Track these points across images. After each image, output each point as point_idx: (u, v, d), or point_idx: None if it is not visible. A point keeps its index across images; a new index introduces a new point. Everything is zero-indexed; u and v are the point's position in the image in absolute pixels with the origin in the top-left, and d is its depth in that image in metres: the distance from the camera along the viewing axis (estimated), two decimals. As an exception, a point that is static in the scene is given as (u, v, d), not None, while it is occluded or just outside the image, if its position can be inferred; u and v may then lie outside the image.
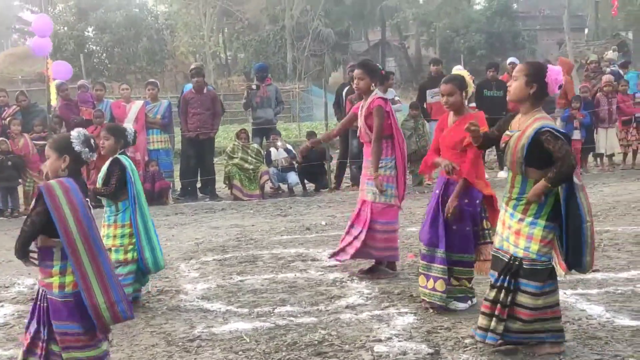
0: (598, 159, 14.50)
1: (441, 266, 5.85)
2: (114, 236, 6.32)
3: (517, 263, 4.71)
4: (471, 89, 5.98)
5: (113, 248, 6.28)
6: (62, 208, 4.01)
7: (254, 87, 13.38)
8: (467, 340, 5.14)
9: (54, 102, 11.93)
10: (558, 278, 4.78)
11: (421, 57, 59.53)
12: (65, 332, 4.10)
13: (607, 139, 14.05)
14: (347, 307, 6.13)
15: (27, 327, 4.26)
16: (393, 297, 6.37)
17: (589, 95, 14.13)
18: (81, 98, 13.03)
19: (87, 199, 4.25)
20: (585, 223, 4.58)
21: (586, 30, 64.36)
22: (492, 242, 5.87)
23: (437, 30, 52.91)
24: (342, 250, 7.25)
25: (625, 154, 14.45)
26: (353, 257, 7.13)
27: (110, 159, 6.34)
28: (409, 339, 5.27)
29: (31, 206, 4.21)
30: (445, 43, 53.29)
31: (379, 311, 5.98)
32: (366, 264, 7.37)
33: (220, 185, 13.56)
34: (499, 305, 4.74)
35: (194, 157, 12.90)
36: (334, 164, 14.01)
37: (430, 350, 4.97)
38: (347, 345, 5.17)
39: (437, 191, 6.02)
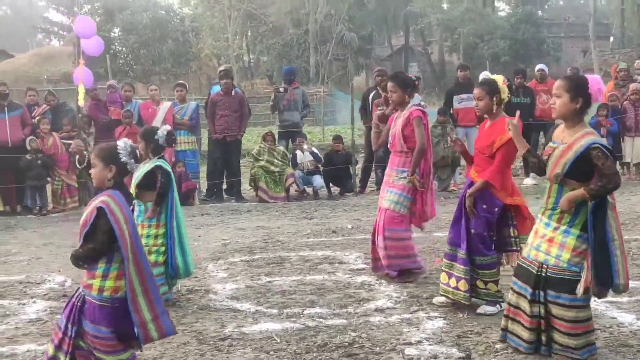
0: (625, 168, 14.41)
1: (463, 267, 5.92)
2: (156, 236, 6.37)
3: (544, 273, 4.72)
4: (505, 94, 5.98)
5: (154, 248, 6.34)
6: (121, 223, 4.09)
7: (281, 89, 13.42)
8: (498, 346, 5.15)
9: (81, 102, 12.03)
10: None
11: (444, 62, 59.45)
12: (96, 335, 4.16)
13: (634, 148, 13.97)
14: (376, 310, 6.16)
15: (59, 323, 4.31)
16: (422, 301, 6.39)
17: (617, 103, 14.06)
18: (110, 98, 13.16)
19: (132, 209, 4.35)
20: (612, 241, 4.59)
21: (611, 39, 64.06)
22: (518, 250, 5.91)
23: (461, 36, 52.76)
24: (376, 260, 7.25)
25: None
26: (388, 268, 7.12)
27: (150, 164, 6.37)
28: (440, 342, 5.29)
29: (84, 221, 4.22)
30: (469, 49, 53.16)
31: (409, 315, 6.00)
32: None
33: (245, 187, 13.63)
34: (542, 320, 4.77)
35: (221, 159, 12.97)
36: (359, 167, 14.04)
37: (462, 355, 4.99)
38: (377, 348, 5.20)
39: (463, 192, 6.08)
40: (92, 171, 4.35)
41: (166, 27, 37.03)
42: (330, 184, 13.31)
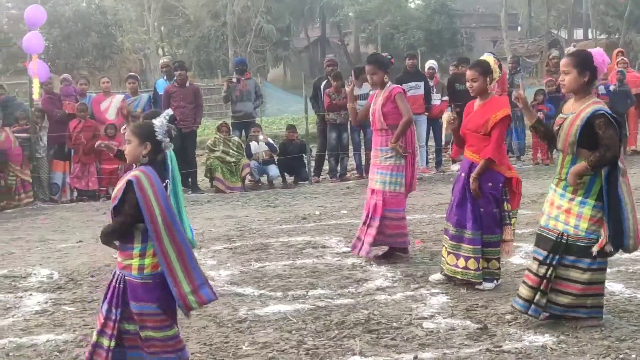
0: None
1: (471, 246, 6.16)
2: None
3: (565, 240, 5.03)
4: (497, 74, 6.27)
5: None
6: (150, 199, 4.15)
7: (234, 80, 13.48)
8: (508, 316, 5.46)
9: (36, 95, 11.81)
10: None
11: (360, 54, 60.09)
12: (142, 313, 4.22)
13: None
14: (377, 289, 6.39)
15: (101, 309, 4.36)
16: (418, 279, 6.64)
17: (554, 88, 14.60)
18: (65, 92, 12.95)
19: (165, 185, 4.41)
20: (624, 204, 4.92)
21: (519, 28, 66.00)
22: (511, 224, 6.24)
23: (378, 27, 53.43)
24: (361, 241, 7.42)
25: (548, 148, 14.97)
26: (371, 246, 7.32)
27: None
28: (451, 316, 5.56)
29: (114, 196, 4.29)
30: (385, 40, 53.86)
31: (411, 292, 6.25)
32: (378, 250, 7.58)
33: (200, 178, 13.64)
34: (545, 281, 5.06)
35: (176, 150, 12.88)
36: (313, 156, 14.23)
37: (479, 326, 5.26)
38: (394, 323, 5.43)
39: (463, 174, 6.30)
40: (126, 147, 4.37)
41: (89, 20, 36.28)
42: (285, 173, 13.45)
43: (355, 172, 13.98)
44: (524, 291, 5.22)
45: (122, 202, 4.21)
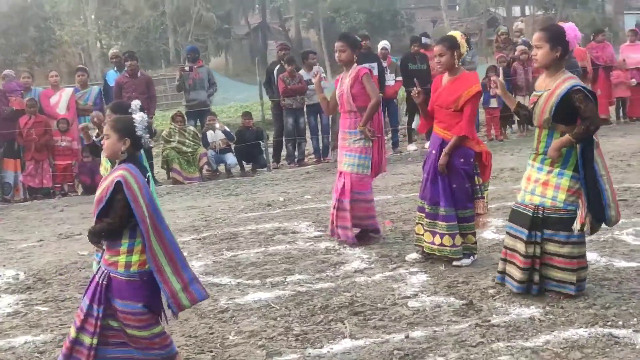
0: (520, 127, 15.14)
1: (445, 223, 6.18)
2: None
3: (541, 214, 5.05)
4: (464, 48, 6.26)
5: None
6: (138, 198, 4.04)
7: (186, 69, 13.28)
8: (491, 291, 5.48)
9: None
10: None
11: (301, 39, 59.99)
12: (126, 311, 4.11)
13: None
14: (355, 271, 6.36)
15: (81, 305, 4.24)
16: (394, 259, 6.63)
17: (504, 64, 14.76)
18: (8, 88, 12.58)
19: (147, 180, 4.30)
20: (600, 176, 4.97)
21: (457, 8, 66.66)
22: (484, 197, 6.28)
23: (319, 11, 53.36)
24: (337, 226, 7.37)
25: (520, 122, 15.16)
26: (348, 230, 7.24)
27: None
28: (434, 294, 5.56)
29: (99, 197, 4.15)
30: (326, 24, 53.89)
31: (389, 272, 6.24)
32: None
33: (156, 170, 13.43)
34: (536, 259, 5.09)
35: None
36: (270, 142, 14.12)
37: (464, 302, 5.27)
38: (379, 304, 5.41)
39: (434, 151, 6.30)
40: (105, 142, 4.25)
41: (26, 14, 35.43)
42: (243, 161, 13.33)
43: (313, 156, 13.93)
44: (517, 274, 5.19)
45: (110, 204, 4.09)
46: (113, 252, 4.16)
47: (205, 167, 13.10)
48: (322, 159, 13.70)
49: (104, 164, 6.39)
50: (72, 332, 4.21)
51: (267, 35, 62.63)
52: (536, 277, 5.13)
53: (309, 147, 14.11)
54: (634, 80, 14.38)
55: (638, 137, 12.99)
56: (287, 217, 8.89)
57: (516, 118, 14.59)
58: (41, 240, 8.95)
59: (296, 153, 13.56)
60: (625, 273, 5.66)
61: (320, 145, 13.74)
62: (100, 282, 4.18)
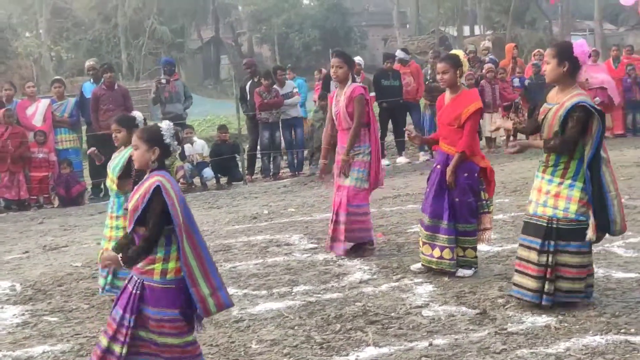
0: (488, 142, 15.45)
1: (446, 236, 6.34)
2: (124, 227, 6.29)
3: (555, 225, 5.24)
4: (466, 67, 6.48)
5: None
6: (175, 202, 4.10)
7: (163, 81, 13.26)
8: (500, 300, 5.65)
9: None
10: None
11: (254, 54, 60.04)
12: (161, 319, 4.13)
13: (492, 123, 15.07)
14: (360, 282, 6.47)
15: (112, 314, 4.26)
16: (396, 270, 6.76)
17: (472, 82, 15.07)
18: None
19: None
20: (608, 193, 5.18)
21: (407, 26, 67.48)
22: (490, 212, 6.47)
23: (274, 27, 53.49)
24: (334, 240, 7.48)
25: (507, 137, 15.52)
26: (343, 243, 7.37)
27: (126, 151, 6.27)
28: (445, 303, 5.72)
29: (135, 206, 4.18)
30: (280, 39, 54.05)
31: (395, 283, 6.37)
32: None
33: (131, 183, 13.34)
34: (549, 269, 5.26)
35: (104, 155, 12.58)
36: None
37: (478, 311, 5.43)
38: (392, 313, 5.54)
39: (439, 166, 6.47)
40: (134, 153, 4.31)
41: (-20, 25, 34.85)
42: (218, 174, 13.35)
43: (287, 170, 14.03)
44: (529, 283, 5.35)
45: (147, 211, 4.13)
46: (147, 260, 4.17)
47: (181, 180, 13.07)
48: (297, 173, 13.80)
49: (110, 175, 6.44)
50: (104, 341, 4.22)
51: (220, 49, 62.56)
52: (548, 287, 5.28)
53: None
54: (597, 98, 14.80)
55: (616, 152, 13.26)
56: (276, 230, 8.96)
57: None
58: (26, 252, 8.85)
59: (271, 167, 13.64)
60: (626, 283, 5.89)
61: (295, 160, 13.86)
62: (134, 291, 4.20)
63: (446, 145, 6.47)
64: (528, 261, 5.38)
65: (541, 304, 5.31)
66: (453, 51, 6.79)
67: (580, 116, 5.14)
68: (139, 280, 4.20)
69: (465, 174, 6.36)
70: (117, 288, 6.25)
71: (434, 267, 6.43)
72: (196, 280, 4.16)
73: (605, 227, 5.22)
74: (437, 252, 6.39)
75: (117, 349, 4.18)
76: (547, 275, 5.28)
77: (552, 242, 5.25)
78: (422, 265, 6.57)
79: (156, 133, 4.28)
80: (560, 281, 5.29)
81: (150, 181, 4.18)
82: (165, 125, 4.34)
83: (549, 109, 5.33)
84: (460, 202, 6.35)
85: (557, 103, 5.27)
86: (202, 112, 28.13)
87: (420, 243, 6.57)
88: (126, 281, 4.33)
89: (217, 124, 19.18)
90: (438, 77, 6.54)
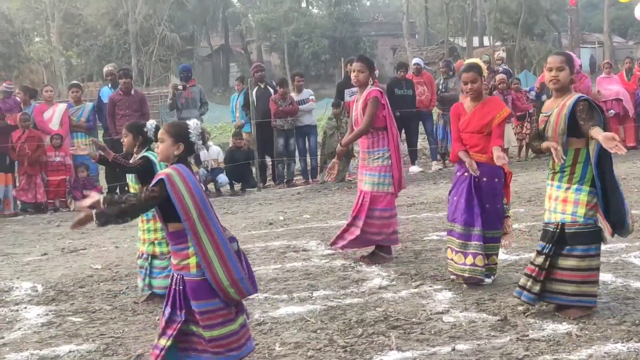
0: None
1: (479, 243, 6.34)
2: (155, 230, 6.41)
3: (559, 230, 5.35)
4: (485, 74, 6.58)
5: (156, 241, 6.39)
6: (182, 195, 4.17)
7: (180, 87, 13.37)
8: (520, 308, 5.70)
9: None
10: (603, 244, 5.46)
11: (263, 62, 60.19)
12: (206, 311, 4.23)
13: (505, 133, 15.12)
14: (380, 288, 6.53)
15: (163, 312, 4.36)
16: (414, 277, 6.82)
17: (487, 92, 15.17)
18: (5, 107, 12.49)
19: (199, 181, 4.45)
20: (620, 187, 5.33)
21: (416, 36, 67.66)
22: (509, 217, 6.55)
23: (284, 35, 53.70)
24: (340, 237, 7.58)
25: (520, 147, 15.62)
26: (351, 243, 7.51)
27: (140, 155, 6.38)
28: (465, 310, 5.77)
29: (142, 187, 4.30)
30: (289, 48, 54.28)
31: (414, 289, 6.42)
32: (363, 251, 7.72)
33: (146, 188, 13.44)
34: (538, 269, 5.41)
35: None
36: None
37: (498, 318, 5.49)
38: (413, 319, 5.60)
39: (466, 173, 6.46)
40: (159, 145, 4.38)
41: (-7, 30, 35.15)
42: (233, 181, 13.45)
43: (301, 177, 14.12)
44: (521, 279, 5.58)
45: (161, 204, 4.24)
46: (182, 256, 4.29)
47: (195, 185, 13.15)
48: (309, 180, 13.88)
49: (131, 184, 6.59)
50: (162, 341, 4.30)
51: (230, 57, 62.86)
52: (536, 288, 5.41)
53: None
54: (612, 110, 14.88)
55: (629, 164, 13.34)
56: (293, 236, 9.04)
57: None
58: (45, 254, 8.96)
59: (285, 173, 13.73)
60: (644, 293, 5.94)
61: (308, 166, 13.95)
62: (176, 287, 4.30)
63: (476, 153, 6.46)
64: (530, 262, 5.56)
65: (520, 299, 5.52)
66: (473, 60, 6.85)
67: (586, 104, 5.26)
68: (178, 277, 4.30)
69: (496, 179, 6.41)
70: (152, 288, 6.39)
71: (466, 274, 6.39)
72: (215, 270, 4.24)
73: (620, 221, 5.32)
74: (469, 260, 6.36)
75: (162, 342, 4.28)
76: (534, 274, 5.40)
77: (552, 245, 5.37)
78: (453, 274, 6.54)
79: (183, 129, 4.38)
80: (567, 285, 5.36)
81: (161, 172, 4.32)
82: (193, 124, 4.43)
83: (548, 116, 5.45)
84: (492, 208, 6.40)
85: (557, 107, 5.39)
86: (211, 118, 28.24)
87: (451, 252, 6.56)
88: (169, 279, 4.42)
89: (228, 131, 19.29)
90: (467, 86, 6.50)
